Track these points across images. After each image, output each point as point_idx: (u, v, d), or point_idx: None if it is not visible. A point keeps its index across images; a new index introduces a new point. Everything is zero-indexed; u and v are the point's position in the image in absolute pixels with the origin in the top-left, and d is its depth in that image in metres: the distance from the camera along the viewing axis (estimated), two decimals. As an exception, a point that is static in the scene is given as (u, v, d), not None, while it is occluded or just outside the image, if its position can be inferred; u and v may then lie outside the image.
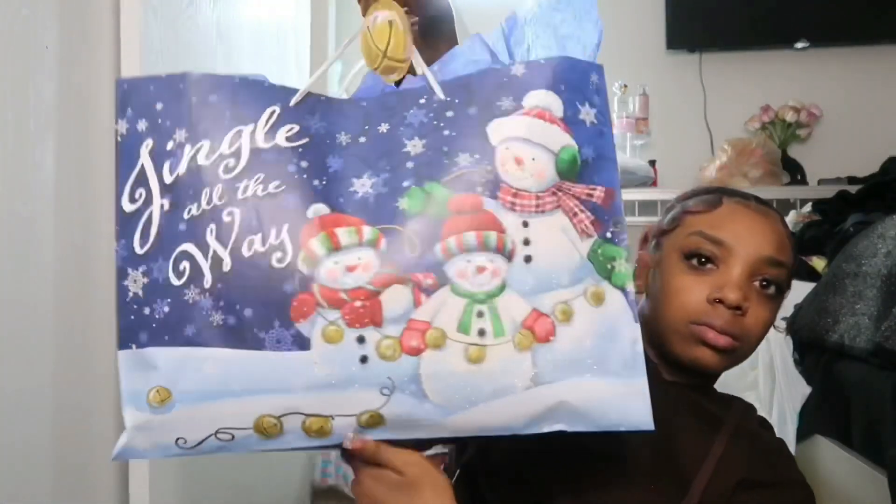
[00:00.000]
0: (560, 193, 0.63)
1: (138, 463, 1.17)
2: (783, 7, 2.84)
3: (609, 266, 0.63)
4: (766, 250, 0.79)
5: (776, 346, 1.47)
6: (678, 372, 0.84)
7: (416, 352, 0.58)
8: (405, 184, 0.62)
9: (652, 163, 2.82)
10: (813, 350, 1.62)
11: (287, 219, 0.61)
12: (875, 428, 1.31)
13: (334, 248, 0.60)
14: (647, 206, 2.61)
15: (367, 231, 0.61)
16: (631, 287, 0.64)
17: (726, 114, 2.93)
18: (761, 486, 0.77)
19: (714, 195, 0.85)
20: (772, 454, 0.82)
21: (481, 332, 0.59)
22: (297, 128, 0.65)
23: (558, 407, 0.60)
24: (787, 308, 1.86)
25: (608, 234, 0.64)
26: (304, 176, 0.63)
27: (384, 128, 0.65)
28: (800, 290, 1.79)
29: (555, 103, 0.64)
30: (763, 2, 2.87)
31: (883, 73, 2.84)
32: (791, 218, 2.12)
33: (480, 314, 0.59)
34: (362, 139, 0.65)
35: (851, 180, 2.49)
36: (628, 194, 2.60)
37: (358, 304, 0.59)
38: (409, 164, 0.63)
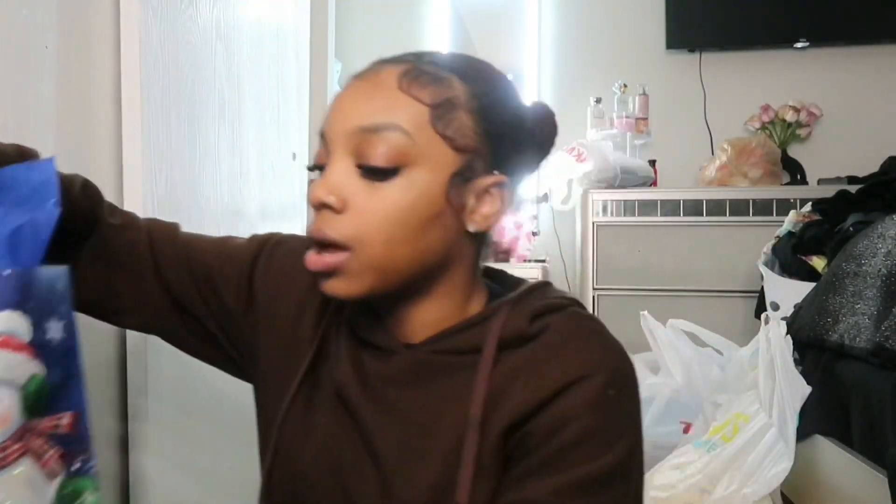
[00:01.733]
0: (28, 435, 0.54)
1: (139, 464, 1.18)
2: (783, 7, 2.84)
3: (79, 503, 0.57)
4: (352, 121, 0.62)
5: (776, 346, 1.47)
6: (407, 322, 0.68)
7: None
8: None
9: (652, 163, 2.82)
10: (813, 350, 1.62)
11: None
12: (875, 428, 1.31)
13: None
14: (647, 206, 2.61)
15: None
16: None
17: (726, 114, 2.93)
18: (536, 414, 0.60)
19: None
20: (548, 358, 0.62)
21: None
22: None
23: None
24: (787, 309, 1.86)
25: (76, 466, 0.57)
26: None
27: None
28: (800, 290, 1.80)
29: (22, 325, 0.54)
30: (763, 2, 2.87)
31: (883, 73, 2.84)
32: (791, 218, 2.12)
33: None
34: None
35: (851, 180, 2.49)
36: (628, 194, 2.60)
37: None
38: None
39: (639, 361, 2.07)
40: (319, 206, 0.62)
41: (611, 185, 2.61)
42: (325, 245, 0.62)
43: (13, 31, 0.98)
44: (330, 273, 0.62)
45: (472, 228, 0.65)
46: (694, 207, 2.56)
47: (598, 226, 2.61)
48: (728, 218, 2.53)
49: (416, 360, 0.67)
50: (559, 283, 2.95)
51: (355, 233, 0.61)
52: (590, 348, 0.63)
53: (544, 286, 0.70)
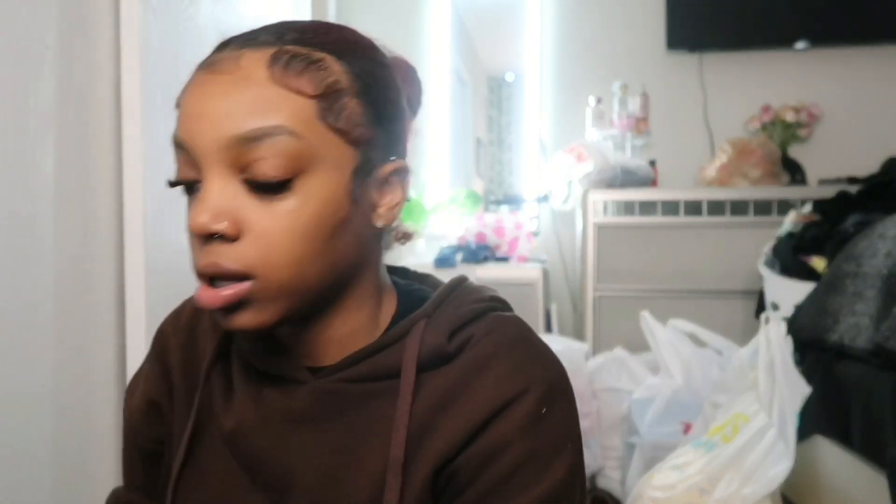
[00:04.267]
0: None
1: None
2: (783, 7, 2.84)
3: None
4: (225, 130, 0.51)
5: (776, 346, 1.47)
6: (313, 343, 0.60)
7: None
8: None
9: (652, 163, 2.82)
10: (813, 350, 1.62)
11: None
12: (875, 428, 1.31)
13: None
14: (647, 206, 2.61)
15: None
16: None
17: (726, 114, 2.93)
18: (466, 447, 0.55)
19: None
20: (472, 380, 0.56)
21: None
22: None
23: None
24: (787, 309, 1.86)
25: None
26: None
27: None
28: (800, 291, 1.80)
29: None
30: (763, 2, 2.87)
31: (883, 73, 2.84)
32: (791, 218, 2.12)
33: None
34: None
35: (851, 180, 2.49)
36: (628, 194, 2.60)
37: None
38: None
39: (639, 361, 2.08)
40: (207, 236, 0.52)
41: (611, 185, 2.61)
42: (217, 279, 0.53)
43: (13, 31, 0.98)
44: (233, 307, 0.53)
45: (380, 224, 0.58)
46: (694, 207, 2.56)
47: (598, 226, 2.61)
48: (728, 218, 2.53)
49: (325, 392, 0.58)
50: (559, 284, 2.96)
51: (259, 260, 0.52)
52: (517, 362, 0.56)
53: (459, 286, 0.63)
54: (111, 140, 1.20)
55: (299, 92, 0.52)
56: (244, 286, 0.52)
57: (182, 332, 0.68)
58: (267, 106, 0.51)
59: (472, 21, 3.42)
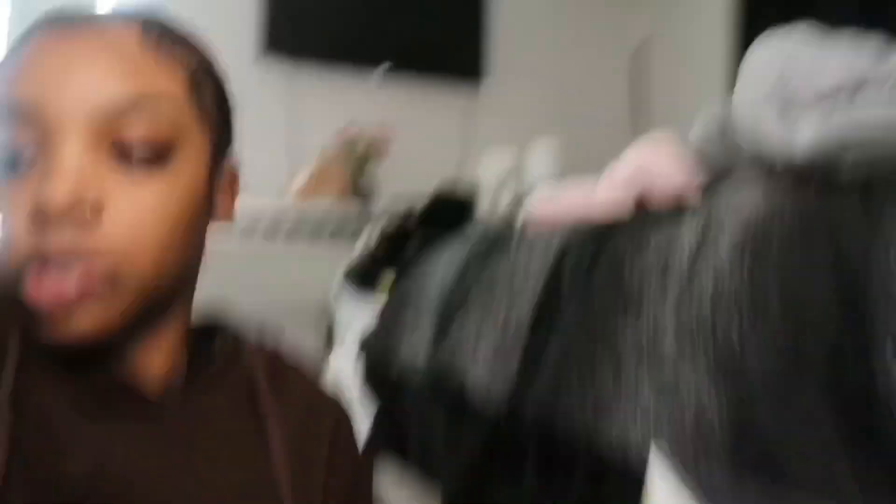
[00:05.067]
0: None
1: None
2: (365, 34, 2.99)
3: None
4: (97, 95, 0.46)
5: (346, 370, 1.50)
6: (135, 369, 0.52)
7: None
8: None
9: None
10: (381, 368, 1.71)
11: None
12: (428, 450, 1.42)
13: None
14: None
15: None
16: None
17: (311, 131, 2.97)
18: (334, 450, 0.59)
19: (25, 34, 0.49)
20: (313, 397, 0.61)
21: None
22: None
23: None
24: (359, 332, 1.92)
25: None
26: None
27: None
28: (370, 313, 1.87)
29: None
30: (347, 25, 2.99)
31: (439, 102, 3.18)
32: (363, 239, 2.22)
33: None
34: None
35: (408, 213, 2.66)
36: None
37: None
38: None
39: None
40: (66, 210, 0.43)
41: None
42: (58, 265, 0.44)
43: (13, 31, 0.71)
44: (69, 305, 0.44)
45: (219, 221, 0.55)
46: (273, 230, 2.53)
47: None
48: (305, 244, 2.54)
49: (187, 407, 0.53)
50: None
51: (120, 242, 0.45)
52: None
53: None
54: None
55: (173, 65, 0.49)
56: (99, 271, 0.44)
57: None
58: (145, 75, 0.47)
59: None
